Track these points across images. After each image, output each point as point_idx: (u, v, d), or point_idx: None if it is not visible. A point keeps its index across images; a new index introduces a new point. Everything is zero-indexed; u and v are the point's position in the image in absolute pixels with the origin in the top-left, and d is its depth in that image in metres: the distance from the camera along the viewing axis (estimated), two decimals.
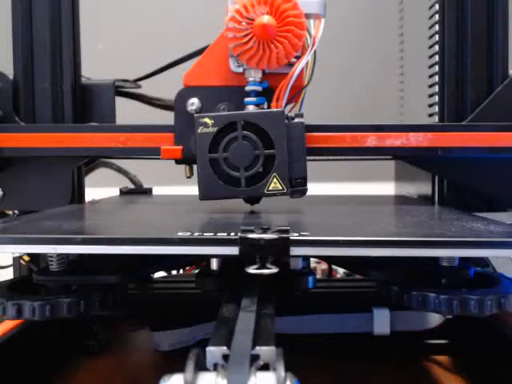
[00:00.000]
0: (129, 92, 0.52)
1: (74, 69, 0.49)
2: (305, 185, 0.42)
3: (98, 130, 0.47)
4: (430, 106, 0.54)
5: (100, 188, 0.58)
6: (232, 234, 0.31)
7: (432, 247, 0.30)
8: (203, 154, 0.42)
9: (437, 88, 0.50)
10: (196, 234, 0.31)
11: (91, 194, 0.53)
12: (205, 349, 0.23)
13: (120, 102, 0.52)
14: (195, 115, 0.42)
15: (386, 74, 0.77)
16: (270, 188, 0.41)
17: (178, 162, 0.47)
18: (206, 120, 0.42)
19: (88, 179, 0.55)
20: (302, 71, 0.43)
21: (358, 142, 0.45)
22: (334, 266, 0.58)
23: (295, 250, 0.30)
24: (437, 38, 0.50)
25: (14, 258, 0.49)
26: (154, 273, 0.51)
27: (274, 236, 0.30)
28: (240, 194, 0.42)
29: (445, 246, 0.30)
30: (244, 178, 0.42)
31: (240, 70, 0.45)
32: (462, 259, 0.35)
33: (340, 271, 0.59)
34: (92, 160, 0.53)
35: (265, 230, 0.31)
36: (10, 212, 0.50)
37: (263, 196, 0.42)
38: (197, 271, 0.44)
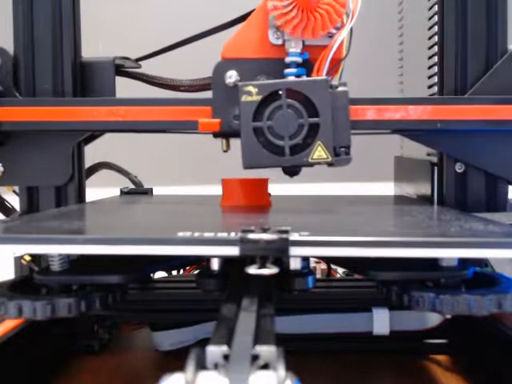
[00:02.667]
0: (129, 71, 0.52)
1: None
2: (349, 154, 0.42)
3: (99, 103, 0.47)
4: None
5: (100, 188, 0.59)
6: (232, 234, 0.31)
7: (432, 247, 0.30)
8: (247, 122, 0.41)
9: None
10: (196, 234, 0.31)
11: (91, 194, 0.53)
12: (205, 348, 0.23)
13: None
14: (239, 83, 0.42)
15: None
16: (315, 157, 0.41)
17: (215, 135, 0.47)
18: (250, 88, 0.41)
19: (88, 179, 0.55)
20: (341, 42, 0.43)
21: (358, 115, 0.45)
22: (333, 266, 0.58)
23: (295, 250, 0.30)
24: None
25: (15, 258, 0.49)
26: (154, 273, 0.51)
27: (274, 236, 0.30)
28: (284, 163, 0.42)
29: (444, 247, 0.30)
30: (288, 147, 0.42)
31: (279, 41, 0.44)
32: (462, 259, 0.35)
33: (340, 271, 0.59)
34: (93, 136, 0.53)
35: (265, 231, 0.31)
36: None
37: (307, 165, 0.42)
38: (197, 271, 0.44)
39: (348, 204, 0.53)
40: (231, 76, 0.45)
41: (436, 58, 0.51)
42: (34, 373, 0.43)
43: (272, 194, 0.52)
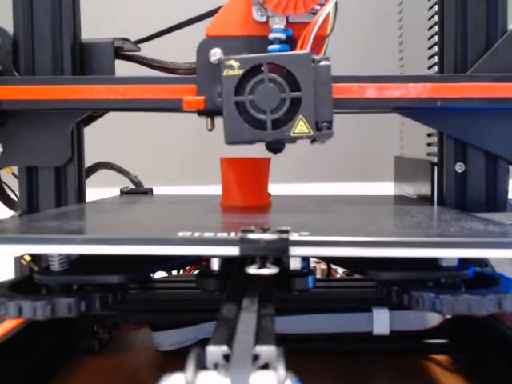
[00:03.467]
0: (128, 55, 0.52)
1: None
2: (331, 128, 0.42)
3: (98, 81, 0.47)
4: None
5: (100, 188, 0.59)
6: (232, 234, 0.31)
7: (432, 247, 0.30)
8: (229, 96, 0.41)
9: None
10: (196, 234, 0.31)
11: (92, 194, 0.53)
12: (205, 348, 0.23)
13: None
14: (221, 57, 0.42)
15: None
16: (296, 131, 0.41)
17: (200, 113, 0.46)
18: (232, 62, 0.41)
19: (88, 179, 0.55)
20: (325, 19, 0.43)
21: (358, 93, 0.45)
22: (333, 266, 0.58)
23: (295, 250, 0.30)
24: None
25: (15, 258, 0.49)
26: (154, 273, 0.51)
27: (274, 236, 0.30)
28: (266, 137, 0.42)
29: (444, 247, 0.30)
30: (270, 121, 0.42)
31: (263, 18, 0.45)
32: (462, 259, 0.35)
33: (340, 271, 0.59)
34: (92, 117, 0.53)
35: (265, 230, 0.31)
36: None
37: (289, 140, 0.42)
38: (197, 271, 0.44)
39: (348, 204, 0.53)
40: (215, 53, 0.45)
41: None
42: (34, 373, 0.43)
43: (272, 193, 0.52)
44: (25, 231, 0.34)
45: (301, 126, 0.41)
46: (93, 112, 0.51)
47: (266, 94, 0.41)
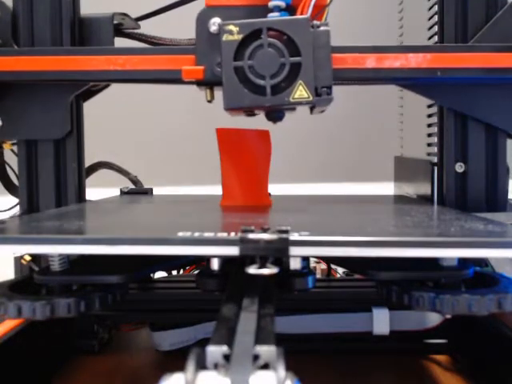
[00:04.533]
0: (128, 32, 0.52)
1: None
2: (330, 94, 0.42)
3: (98, 52, 0.46)
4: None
5: (100, 188, 0.59)
6: (232, 234, 0.31)
7: (432, 247, 0.30)
8: (228, 62, 0.41)
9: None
10: (196, 234, 0.31)
11: (91, 194, 0.53)
12: (205, 348, 0.23)
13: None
14: (220, 22, 0.42)
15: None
16: (296, 96, 0.41)
17: (199, 83, 0.46)
18: (231, 27, 0.41)
19: (88, 179, 0.55)
20: None
21: (358, 63, 0.45)
22: (333, 266, 0.58)
23: (295, 250, 0.30)
24: None
25: (15, 258, 0.49)
26: (154, 273, 0.51)
27: (274, 236, 0.30)
28: (265, 103, 0.42)
29: (444, 247, 0.30)
30: (269, 86, 0.41)
31: None
32: (462, 259, 0.35)
33: (340, 271, 0.59)
34: (92, 92, 0.53)
35: (265, 230, 0.31)
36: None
37: (288, 105, 0.42)
38: (197, 271, 0.44)
39: (348, 204, 0.53)
40: (215, 23, 0.45)
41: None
42: (34, 373, 0.43)
43: (272, 193, 0.52)
44: (25, 231, 0.34)
45: (300, 92, 0.41)
46: (92, 86, 0.50)
47: (266, 59, 0.41)
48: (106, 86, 0.55)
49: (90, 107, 0.54)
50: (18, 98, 0.49)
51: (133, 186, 0.61)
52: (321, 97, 0.42)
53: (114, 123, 0.87)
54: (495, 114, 0.48)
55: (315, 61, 0.41)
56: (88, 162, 0.54)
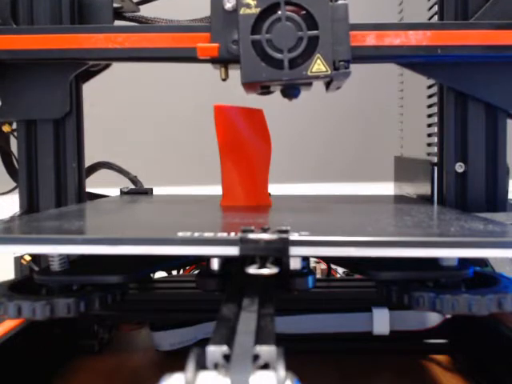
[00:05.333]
0: (127, 15, 0.52)
1: None
2: (348, 68, 0.42)
3: (97, 30, 0.46)
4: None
5: (100, 188, 0.58)
6: (232, 234, 0.31)
7: (432, 247, 0.30)
8: (246, 35, 0.41)
9: None
10: (196, 234, 0.31)
11: None
12: (205, 348, 0.23)
13: None
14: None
15: None
16: (314, 70, 0.41)
17: (214, 61, 0.46)
18: (249, 1, 0.41)
19: (88, 179, 0.55)
20: None
21: (358, 40, 0.45)
22: (333, 266, 0.58)
23: (295, 250, 0.30)
24: None
25: (15, 258, 0.49)
26: (154, 273, 0.51)
27: (274, 236, 0.30)
28: (283, 77, 0.42)
29: (444, 247, 0.30)
30: (287, 60, 0.42)
31: None
32: (462, 259, 0.35)
33: (340, 271, 0.59)
34: (91, 72, 0.52)
35: (265, 230, 0.31)
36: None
37: (306, 79, 0.42)
38: (197, 271, 0.44)
39: (348, 204, 0.53)
40: (230, 0, 0.44)
41: None
42: (34, 373, 0.43)
43: (272, 193, 0.52)
44: (25, 231, 0.34)
45: (318, 65, 0.41)
46: (91, 65, 0.50)
47: (283, 33, 0.41)
48: (106, 67, 0.55)
49: (90, 107, 0.54)
50: (17, 77, 0.49)
51: (133, 186, 0.61)
52: (339, 70, 0.42)
53: (114, 123, 0.87)
54: (495, 92, 0.48)
55: (333, 34, 0.41)
56: (88, 162, 0.54)
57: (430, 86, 0.55)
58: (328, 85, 0.45)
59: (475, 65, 0.47)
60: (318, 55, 0.41)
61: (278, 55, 0.42)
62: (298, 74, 0.42)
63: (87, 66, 0.49)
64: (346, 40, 0.42)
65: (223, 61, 0.46)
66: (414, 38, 0.45)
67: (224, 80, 0.47)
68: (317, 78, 0.42)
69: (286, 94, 0.45)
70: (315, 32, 0.42)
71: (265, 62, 0.42)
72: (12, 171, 0.54)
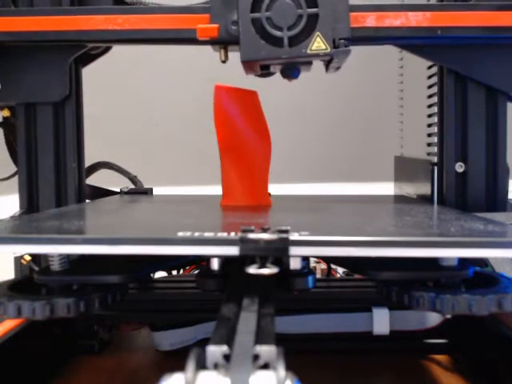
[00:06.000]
0: (127, 1, 0.52)
1: None
2: (348, 46, 0.42)
3: (96, 11, 0.46)
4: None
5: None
6: (232, 233, 0.31)
7: (432, 247, 0.30)
8: (245, 13, 0.41)
9: None
10: (196, 233, 0.31)
11: None
12: (205, 348, 0.23)
13: None
14: None
15: None
16: (313, 48, 0.41)
17: (213, 42, 0.46)
18: None
19: (88, 179, 0.55)
20: None
21: (358, 21, 0.45)
22: (333, 266, 0.58)
23: (295, 250, 0.30)
24: None
25: (15, 258, 0.49)
26: (154, 273, 0.51)
27: (274, 236, 0.30)
28: (282, 54, 0.42)
29: (444, 247, 0.30)
30: (287, 38, 0.41)
31: None
32: (462, 259, 0.35)
33: (340, 271, 0.59)
34: (91, 56, 0.52)
35: (265, 230, 0.31)
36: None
37: (306, 57, 0.42)
38: (197, 271, 0.44)
39: (348, 204, 0.53)
40: None
41: None
42: (34, 373, 0.43)
43: (272, 193, 0.52)
44: (25, 231, 0.34)
45: (318, 43, 0.41)
46: (91, 48, 0.50)
47: (283, 11, 0.41)
48: (106, 51, 0.55)
49: (90, 107, 0.54)
50: (16, 60, 0.48)
51: (133, 186, 0.61)
52: (338, 48, 0.42)
53: (114, 123, 0.87)
54: (495, 75, 0.48)
55: (333, 12, 0.41)
56: (88, 162, 0.54)
57: (430, 86, 0.55)
58: (328, 64, 0.44)
59: (475, 47, 0.47)
60: (318, 33, 0.41)
61: (278, 33, 0.42)
62: (298, 52, 0.42)
63: (86, 48, 0.49)
64: (345, 18, 0.42)
65: (223, 42, 0.46)
66: (414, 20, 0.45)
67: (224, 62, 0.46)
68: (317, 56, 0.42)
69: (286, 75, 0.45)
70: (315, 10, 0.41)
71: (264, 40, 0.42)
72: (17, 160, 0.53)
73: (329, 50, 0.41)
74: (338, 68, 0.46)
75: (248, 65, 0.44)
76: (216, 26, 0.44)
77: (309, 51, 0.41)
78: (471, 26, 0.45)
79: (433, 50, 0.48)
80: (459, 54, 0.48)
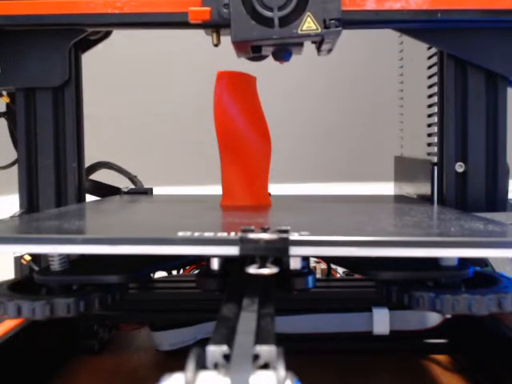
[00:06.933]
0: None
1: None
2: (339, 26, 0.41)
3: None
4: None
5: None
6: (232, 233, 0.31)
7: (432, 247, 0.30)
8: None
9: None
10: (196, 233, 0.31)
11: None
12: (205, 348, 0.23)
13: None
14: None
15: None
16: (304, 28, 0.41)
17: (205, 25, 0.46)
18: None
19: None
20: None
21: (357, 4, 0.45)
22: (333, 266, 0.58)
23: (295, 250, 0.30)
24: None
25: (15, 258, 0.49)
26: (154, 273, 0.51)
27: (274, 236, 0.30)
28: (273, 35, 0.42)
29: (444, 246, 0.30)
30: (277, 18, 0.42)
31: None
32: (462, 259, 0.35)
33: (340, 271, 0.59)
34: (90, 42, 0.52)
35: (265, 230, 0.31)
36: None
37: (297, 38, 0.42)
38: (197, 271, 0.44)
39: (348, 204, 0.53)
40: None
41: None
42: (34, 373, 0.43)
43: (272, 193, 0.52)
44: (25, 231, 0.34)
45: (308, 23, 0.41)
46: (90, 33, 0.50)
47: None
48: (106, 36, 0.54)
49: (90, 107, 0.54)
50: (15, 45, 0.48)
51: (133, 186, 0.61)
52: (329, 29, 0.42)
53: (113, 123, 0.87)
54: (495, 59, 0.48)
55: None
56: (88, 162, 0.54)
57: (430, 86, 0.55)
58: (319, 46, 0.44)
59: (475, 30, 0.47)
60: (309, 13, 0.41)
61: (268, 13, 0.42)
62: (289, 33, 0.42)
63: (86, 33, 0.49)
64: None
65: (215, 25, 0.45)
66: (414, 2, 0.45)
67: (216, 46, 0.46)
68: (307, 36, 0.42)
69: (278, 57, 0.45)
70: None
71: (255, 21, 0.42)
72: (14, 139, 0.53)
73: (319, 30, 0.41)
74: (329, 50, 0.45)
75: (239, 46, 0.44)
76: (208, 8, 0.44)
77: (299, 31, 0.41)
78: (471, 9, 0.45)
79: (433, 34, 0.48)
80: (459, 38, 0.48)
